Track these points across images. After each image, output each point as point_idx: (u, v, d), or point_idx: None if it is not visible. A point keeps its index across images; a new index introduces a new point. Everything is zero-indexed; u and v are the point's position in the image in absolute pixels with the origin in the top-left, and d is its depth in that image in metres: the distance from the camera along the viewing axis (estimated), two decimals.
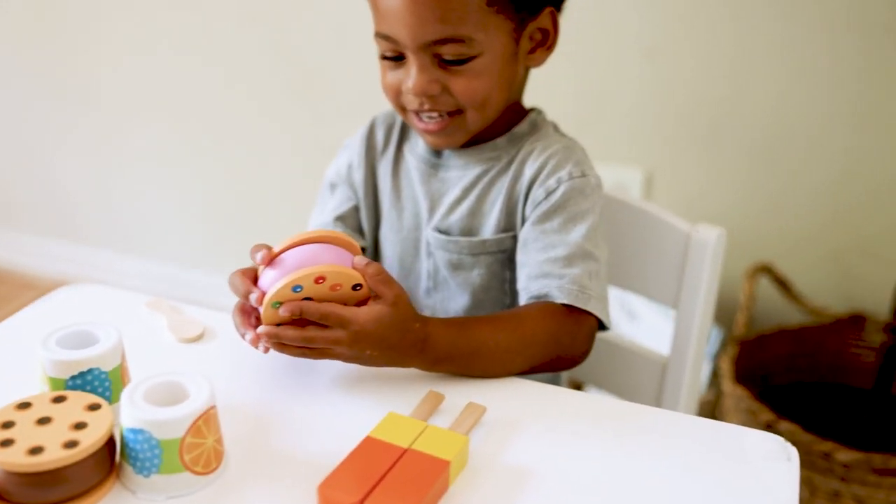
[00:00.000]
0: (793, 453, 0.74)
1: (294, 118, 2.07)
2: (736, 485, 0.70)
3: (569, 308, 0.88)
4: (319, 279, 0.75)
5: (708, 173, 1.78)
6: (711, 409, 1.65)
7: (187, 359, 0.85)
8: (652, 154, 1.81)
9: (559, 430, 0.76)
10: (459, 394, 0.79)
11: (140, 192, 2.32)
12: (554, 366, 0.89)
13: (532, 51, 0.95)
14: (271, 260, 0.77)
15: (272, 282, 0.76)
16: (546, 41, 0.96)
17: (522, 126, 0.99)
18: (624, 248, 1.09)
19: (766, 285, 1.73)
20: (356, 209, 1.05)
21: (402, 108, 0.95)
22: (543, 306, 0.88)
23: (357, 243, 0.80)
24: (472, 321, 0.86)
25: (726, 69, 1.70)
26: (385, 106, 1.02)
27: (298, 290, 0.75)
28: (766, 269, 1.67)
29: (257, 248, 0.78)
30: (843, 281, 1.74)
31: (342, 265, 0.76)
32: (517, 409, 0.78)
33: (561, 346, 0.88)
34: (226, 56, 2.07)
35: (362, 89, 1.60)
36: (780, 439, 0.76)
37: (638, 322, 1.75)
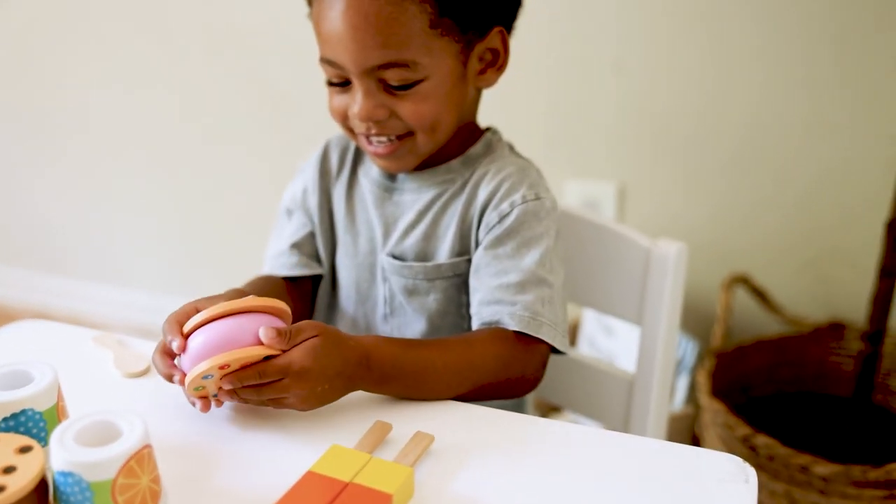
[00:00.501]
0: (751, 474, 0.72)
1: (267, 144, 2.06)
2: None
3: (520, 335, 0.86)
4: (224, 366, 0.73)
5: (683, 185, 1.77)
6: (691, 423, 1.63)
7: (131, 394, 0.83)
8: (626, 168, 1.80)
9: (508, 458, 0.74)
10: (408, 423, 0.77)
11: (120, 222, 2.30)
12: (504, 391, 0.87)
13: (482, 71, 0.93)
14: (184, 347, 0.75)
15: (185, 368, 0.75)
16: (497, 61, 0.94)
17: (477, 147, 0.97)
18: (585, 266, 1.07)
19: (743, 297, 1.72)
20: (312, 235, 1.03)
21: (352, 132, 0.93)
22: (494, 332, 0.86)
23: (282, 303, 0.77)
24: (418, 342, 0.84)
25: (699, 81, 1.69)
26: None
27: (210, 377, 0.74)
28: (743, 280, 1.65)
29: (172, 331, 0.76)
30: (821, 290, 1.73)
31: (249, 344, 0.74)
32: (467, 437, 0.76)
33: (510, 371, 0.86)
34: (197, 85, 2.06)
35: None
36: (739, 460, 0.74)
37: (615, 337, 1.73)
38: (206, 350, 0.73)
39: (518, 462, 0.73)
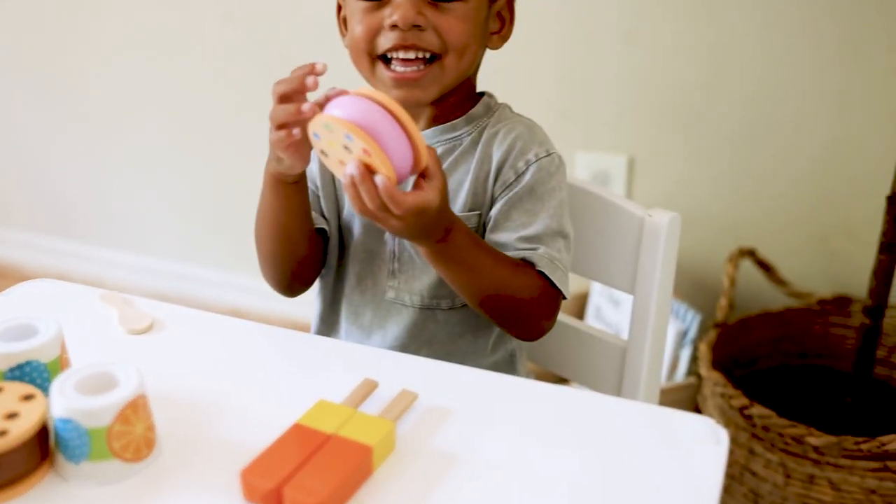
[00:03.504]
0: (722, 436, 0.74)
1: None
2: (662, 467, 0.71)
3: (543, 277, 0.93)
4: (366, 152, 0.75)
5: (692, 158, 1.78)
6: (693, 393, 1.65)
7: (133, 350, 0.87)
8: (636, 140, 1.81)
9: (489, 417, 0.77)
10: (395, 382, 0.80)
11: (133, 190, 2.34)
12: (518, 323, 0.95)
13: (494, 32, 1.00)
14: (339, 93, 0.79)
15: (338, 107, 0.77)
16: (501, 29, 1.00)
17: (478, 108, 1.02)
18: (584, 236, 1.09)
19: (750, 270, 1.73)
20: (317, 197, 1.05)
21: (372, 60, 0.96)
22: (529, 267, 0.93)
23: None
24: (486, 246, 0.92)
25: (708, 54, 1.69)
26: None
27: (350, 139, 0.75)
28: (749, 253, 1.66)
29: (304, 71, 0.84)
30: (827, 264, 1.74)
31: (390, 151, 0.76)
32: (452, 396, 0.79)
33: (532, 303, 0.93)
34: (214, 52, 2.09)
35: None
36: (711, 422, 0.76)
37: (621, 309, 1.75)
38: (374, 123, 0.75)
39: (498, 421, 0.76)
